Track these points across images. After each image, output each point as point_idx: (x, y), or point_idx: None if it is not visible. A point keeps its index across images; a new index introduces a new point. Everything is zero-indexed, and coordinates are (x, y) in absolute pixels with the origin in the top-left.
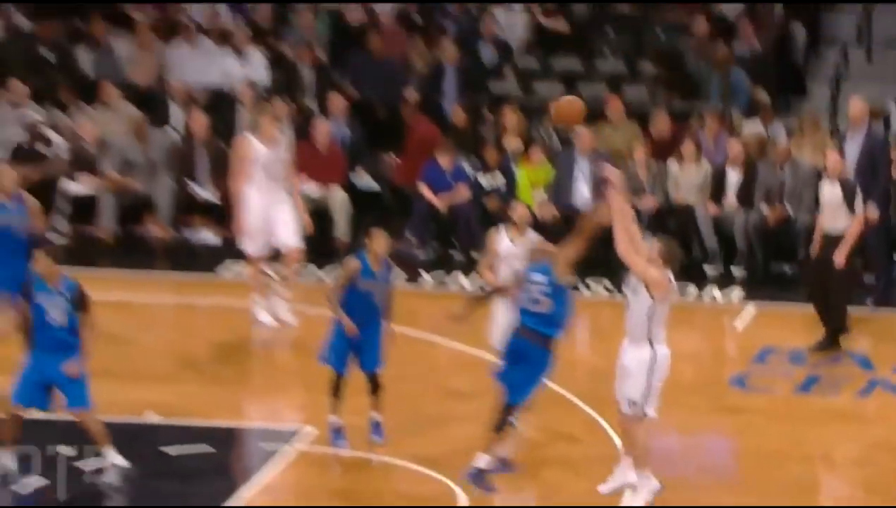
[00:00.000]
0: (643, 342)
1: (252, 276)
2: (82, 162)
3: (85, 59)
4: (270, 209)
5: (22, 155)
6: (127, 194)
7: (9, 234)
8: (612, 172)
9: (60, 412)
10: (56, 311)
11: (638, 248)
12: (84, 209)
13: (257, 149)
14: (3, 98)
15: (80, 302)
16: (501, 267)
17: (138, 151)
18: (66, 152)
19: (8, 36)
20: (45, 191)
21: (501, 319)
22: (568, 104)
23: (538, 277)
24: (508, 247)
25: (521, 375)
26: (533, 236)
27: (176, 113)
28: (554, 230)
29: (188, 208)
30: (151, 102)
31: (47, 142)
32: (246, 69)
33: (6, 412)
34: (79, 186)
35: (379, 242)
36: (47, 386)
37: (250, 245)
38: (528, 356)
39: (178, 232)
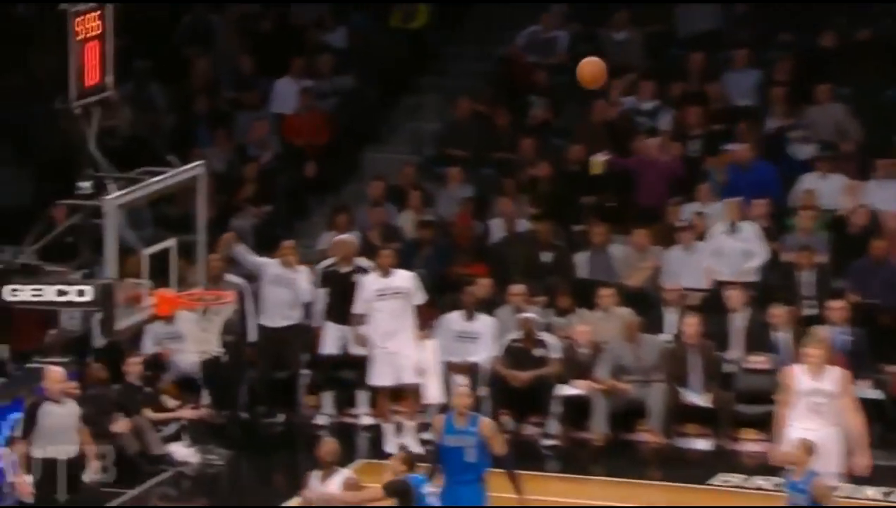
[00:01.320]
0: None
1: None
2: (575, 365)
3: (580, 260)
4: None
5: (515, 355)
6: (619, 398)
7: (460, 457)
8: None
9: None
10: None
11: None
12: (577, 412)
13: (800, 379)
14: (505, 301)
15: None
16: None
17: (630, 355)
18: (559, 355)
19: (510, 237)
20: (538, 392)
21: None
22: (589, 64)
23: None
24: None
25: None
26: None
27: (669, 317)
28: None
29: (680, 414)
30: (644, 305)
31: (541, 344)
32: (740, 243)
33: None
34: (572, 389)
35: (801, 457)
36: None
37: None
38: None
39: (669, 438)
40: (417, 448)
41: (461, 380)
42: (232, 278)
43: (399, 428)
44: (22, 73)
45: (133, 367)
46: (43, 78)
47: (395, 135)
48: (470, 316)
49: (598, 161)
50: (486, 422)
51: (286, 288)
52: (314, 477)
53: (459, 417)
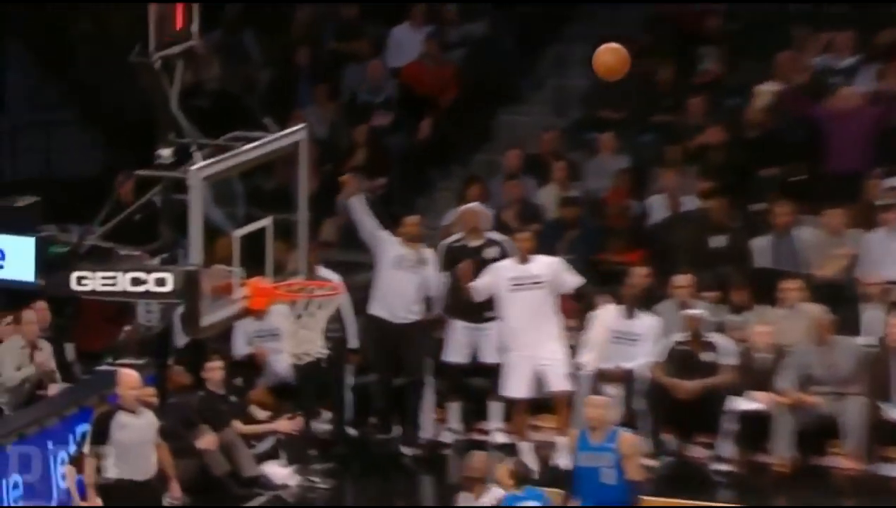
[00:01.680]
0: None
1: None
2: (753, 373)
3: (760, 245)
4: None
5: (679, 360)
6: (807, 414)
7: (595, 478)
8: None
9: None
10: None
11: None
12: (755, 431)
13: None
14: (667, 295)
15: None
16: None
17: (821, 362)
18: (733, 360)
19: (674, 218)
20: (707, 406)
21: None
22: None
23: None
24: None
25: None
26: None
27: (869, 315)
28: None
29: (883, 434)
30: (838, 301)
31: (711, 347)
32: None
33: None
34: (748, 403)
35: None
36: None
37: None
38: None
39: (869, 463)
40: None
41: (612, 391)
42: (324, 271)
43: (546, 447)
44: (92, 22)
45: (213, 373)
46: (116, 27)
47: (535, 93)
48: (630, 314)
49: (766, 90)
50: (626, 438)
51: (410, 274)
52: (463, 500)
53: (595, 432)
